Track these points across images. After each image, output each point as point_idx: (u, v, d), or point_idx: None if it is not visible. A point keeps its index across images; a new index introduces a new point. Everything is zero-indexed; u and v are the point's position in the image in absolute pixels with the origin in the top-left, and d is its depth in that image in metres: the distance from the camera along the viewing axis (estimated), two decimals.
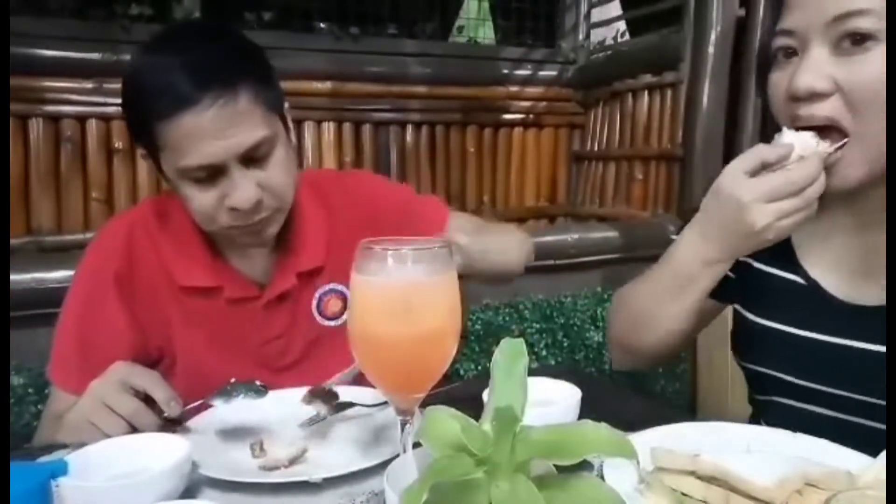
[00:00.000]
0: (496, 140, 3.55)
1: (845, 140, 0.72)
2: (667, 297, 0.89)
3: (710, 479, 0.64)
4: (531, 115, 3.55)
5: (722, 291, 0.94)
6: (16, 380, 1.82)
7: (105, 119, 2.68)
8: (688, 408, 1.27)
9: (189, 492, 0.71)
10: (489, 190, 3.55)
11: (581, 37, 3.65)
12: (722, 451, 0.69)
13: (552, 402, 0.80)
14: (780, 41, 0.76)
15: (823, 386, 0.86)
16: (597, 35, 3.62)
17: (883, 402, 0.79)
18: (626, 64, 3.30)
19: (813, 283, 0.88)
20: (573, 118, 3.63)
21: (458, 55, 3.46)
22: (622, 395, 1.04)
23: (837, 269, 0.87)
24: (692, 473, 0.65)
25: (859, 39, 0.69)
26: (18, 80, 2.47)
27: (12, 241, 2.48)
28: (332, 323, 1.08)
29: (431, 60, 3.31)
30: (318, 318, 1.08)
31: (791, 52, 0.75)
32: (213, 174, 0.89)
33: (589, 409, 0.77)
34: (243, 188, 0.90)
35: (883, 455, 0.64)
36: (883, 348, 0.79)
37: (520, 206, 3.62)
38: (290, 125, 1.00)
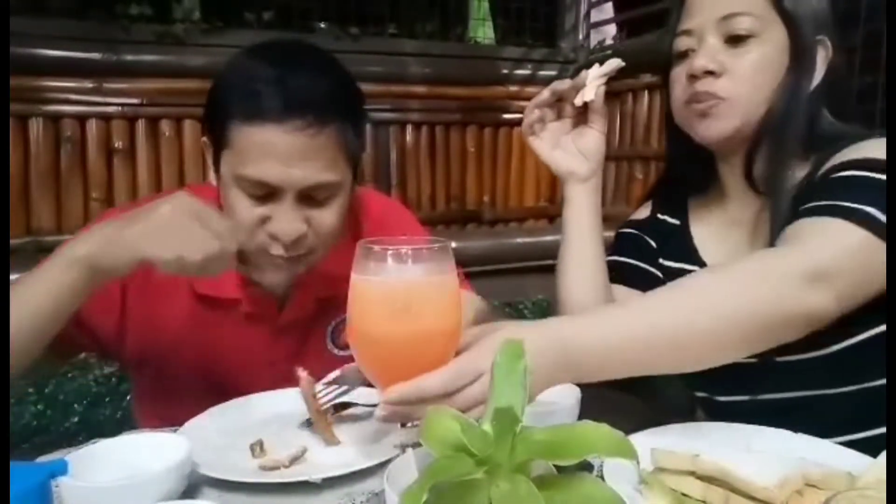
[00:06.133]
0: (496, 140, 3.55)
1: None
2: (562, 266, 1.00)
3: (710, 480, 0.64)
4: None
5: (648, 288, 1.00)
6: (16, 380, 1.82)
7: (105, 119, 2.68)
8: (688, 408, 1.27)
9: (189, 492, 0.71)
10: (489, 190, 3.55)
11: (581, 37, 3.65)
12: (722, 451, 0.69)
13: (552, 402, 0.80)
14: (683, 41, 0.92)
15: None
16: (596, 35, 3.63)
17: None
18: (625, 64, 3.29)
19: None
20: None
21: (459, 55, 3.46)
22: (622, 395, 1.04)
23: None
24: (692, 473, 0.65)
25: (743, 37, 0.87)
26: (18, 80, 2.46)
27: (12, 241, 2.48)
28: (346, 353, 1.06)
29: (431, 60, 3.31)
30: (331, 346, 1.06)
31: (690, 51, 0.91)
32: (267, 194, 0.87)
33: (589, 409, 0.77)
34: (290, 220, 0.87)
35: (883, 455, 0.64)
36: None
37: (520, 206, 3.62)
38: (360, 171, 0.98)
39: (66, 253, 0.79)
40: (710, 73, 0.88)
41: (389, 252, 0.58)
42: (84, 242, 0.79)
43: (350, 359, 0.85)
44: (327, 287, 1.01)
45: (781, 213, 0.86)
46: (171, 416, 0.90)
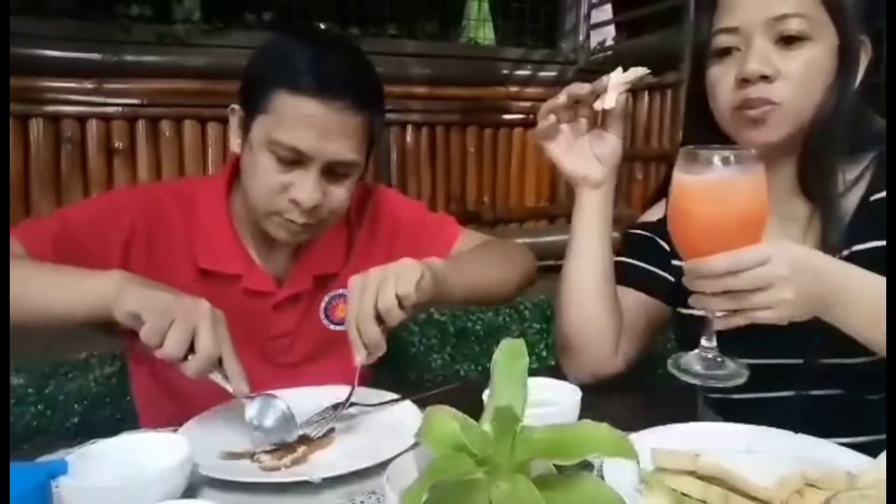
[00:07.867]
0: (496, 140, 3.56)
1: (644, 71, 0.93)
2: (568, 272, 0.99)
3: (710, 479, 0.64)
4: (531, 116, 3.55)
5: (667, 296, 1.03)
6: (16, 380, 1.82)
7: (105, 119, 2.68)
8: (689, 407, 1.27)
9: (189, 492, 0.71)
10: (489, 190, 3.56)
11: (581, 37, 3.65)
12: (722, 451, 0.69)
13: (552, 402, 0.80)
14: (724, 39, 0.88)
15: (754, 359, 0.87)
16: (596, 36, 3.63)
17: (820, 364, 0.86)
18: (625, 64, 3.29)
19: None
20: None
21: (459, 55, 3.47)
22: (622, 395, 1.04)
23: None
24: (692, 473, 0.65)
25: (795, 38, 0.84)
26: (18, 80, 2.47)
27: None
28: (339, 327, 1.09)
29: (432, 61, 3.31)
30: (325, 321, 1.10)
31: (735, 50, 0.88)
32: (296, 161, 0.94)
33: (589, 409, 0.77)
34: (312, 189, 0.94)
35: (883, 456, 0.64)
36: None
37: (520, 206, 3.61)
38: (368, 164, 1.05)
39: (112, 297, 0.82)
40: (763, 77, 0.85)
41: (714, 154, 0.70)
42: (130, 298, 0.80)
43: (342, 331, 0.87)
44: (324, 264, 1.08)
45: (836, 215, 0.85)
46: (171, 406, 0.91)
